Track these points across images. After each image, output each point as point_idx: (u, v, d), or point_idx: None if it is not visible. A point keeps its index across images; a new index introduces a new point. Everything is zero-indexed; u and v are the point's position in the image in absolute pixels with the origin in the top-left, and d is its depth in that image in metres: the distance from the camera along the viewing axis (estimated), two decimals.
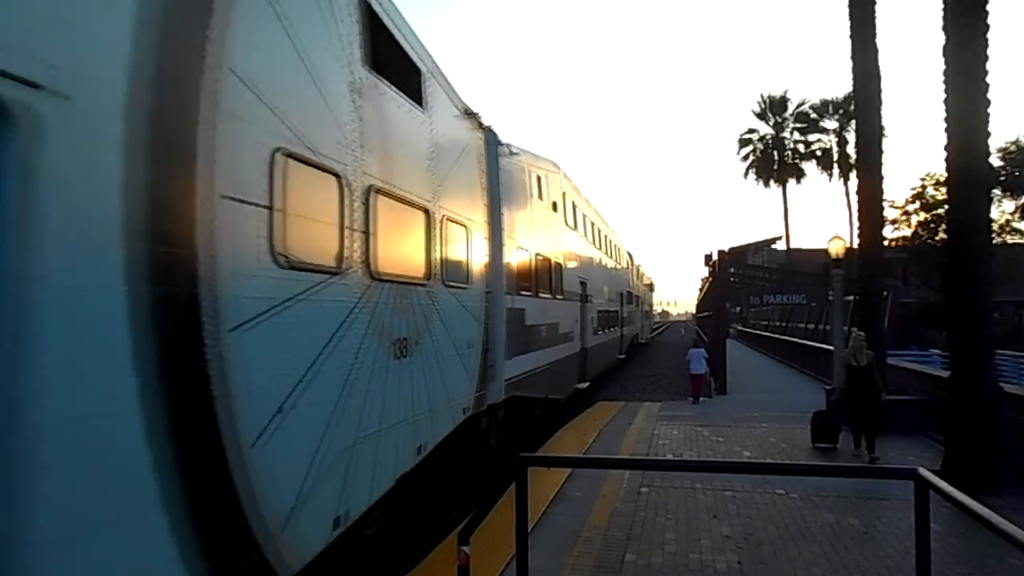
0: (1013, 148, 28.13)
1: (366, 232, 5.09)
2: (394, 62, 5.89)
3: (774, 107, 50.40)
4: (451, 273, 7.09)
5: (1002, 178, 27.14)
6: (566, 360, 14.12)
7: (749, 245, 20.83)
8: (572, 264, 15.00)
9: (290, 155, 4.09)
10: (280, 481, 3.92)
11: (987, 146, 7.93)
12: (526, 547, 4.07)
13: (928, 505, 3.55)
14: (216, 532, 3.41)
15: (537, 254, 11.52)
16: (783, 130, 50.34)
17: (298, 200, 4.17)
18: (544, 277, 12.10)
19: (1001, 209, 29.60)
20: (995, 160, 24.18)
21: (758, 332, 39.24)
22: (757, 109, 51.30)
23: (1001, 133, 46.70)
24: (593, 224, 19.10)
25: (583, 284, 16.57)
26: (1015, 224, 30.60)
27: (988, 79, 7.77)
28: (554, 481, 7.81)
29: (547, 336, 12.27)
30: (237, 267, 3.59)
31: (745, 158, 51.88)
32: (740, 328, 49.86)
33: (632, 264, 33.85)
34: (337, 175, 4.69)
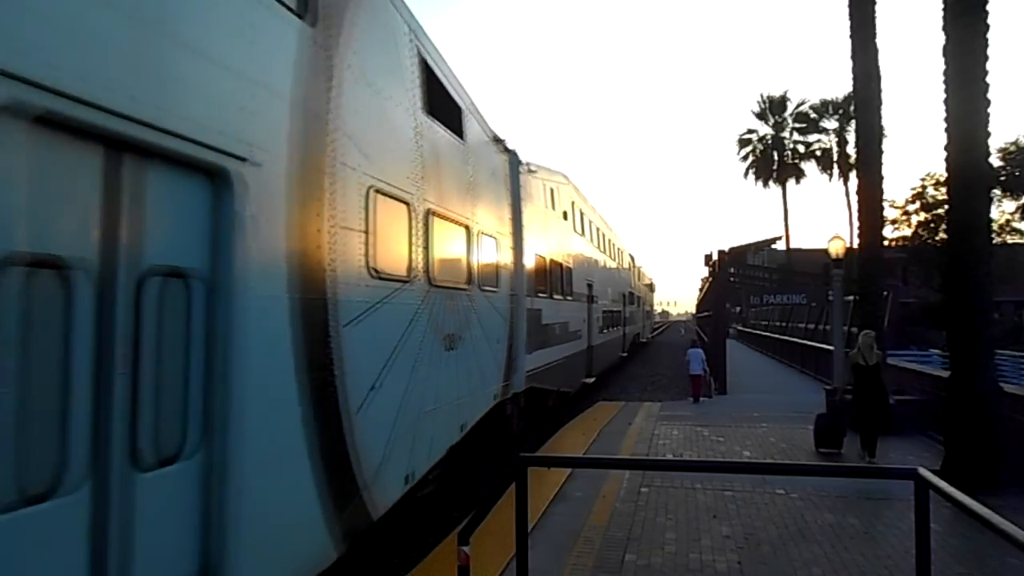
0: (1013, 148, 28.14)
1: (426, 247, 6.25)
2: (442, 104, 7.05)
3: (774, 107, 50.38)
4: (485, 279, 8.32)
5: (1002, 178, 27.14)
6: (575, 356, 15.39)
7: (749, 245, 20.83)
8: (580, 267, 16.22)
9: (378, 191, 5.26)
10: (373, 442, 5.03)
11: (987, 146, 7.93)
12: (526, 547, 4.07)
13: (928, 505, 3.55)
14: (335, 476, 4.50)
15: (551, 259, 12.78)
16: (783, 130, 50.33)
17: (382, 225, 5.32)
18: (556, 280, 13.37)
19: (1001, 209, 29.64)
20: (995, 160, 24.18)
21: (758, 332, 39.25)
22: (757, 109, 51.29)
23: (1001, 133, 46.80)
24: (598, 229, 20.35)
25: (589, 286, 17.76)
26: (1015, 224, 30.63)
27: (988, 79, 7.78)
28: (554, 481, 7.81)
29: (559, 334, 13.58)
30: (347, 278, 4.73)
31: (745, 158, 51.87)
32: (740, 328, 49.86)
33: (634, 265, 35.05)
34: (407, 203, 5.90)
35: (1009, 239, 30.80)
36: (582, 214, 17.14)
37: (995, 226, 23.56)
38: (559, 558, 5.58)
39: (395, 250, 5.65)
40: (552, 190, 13.32)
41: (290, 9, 4.21)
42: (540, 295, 11.83)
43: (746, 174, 51.80)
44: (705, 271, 26.06)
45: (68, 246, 2.70)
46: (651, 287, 56.09)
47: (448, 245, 7.06)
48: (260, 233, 3.72)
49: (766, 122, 50.93)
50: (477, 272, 7.92)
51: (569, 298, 14.77)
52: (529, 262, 10.82)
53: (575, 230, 16.08)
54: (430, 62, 6.69)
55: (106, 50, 2.81)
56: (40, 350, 2.59)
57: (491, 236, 8.66)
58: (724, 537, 6.08)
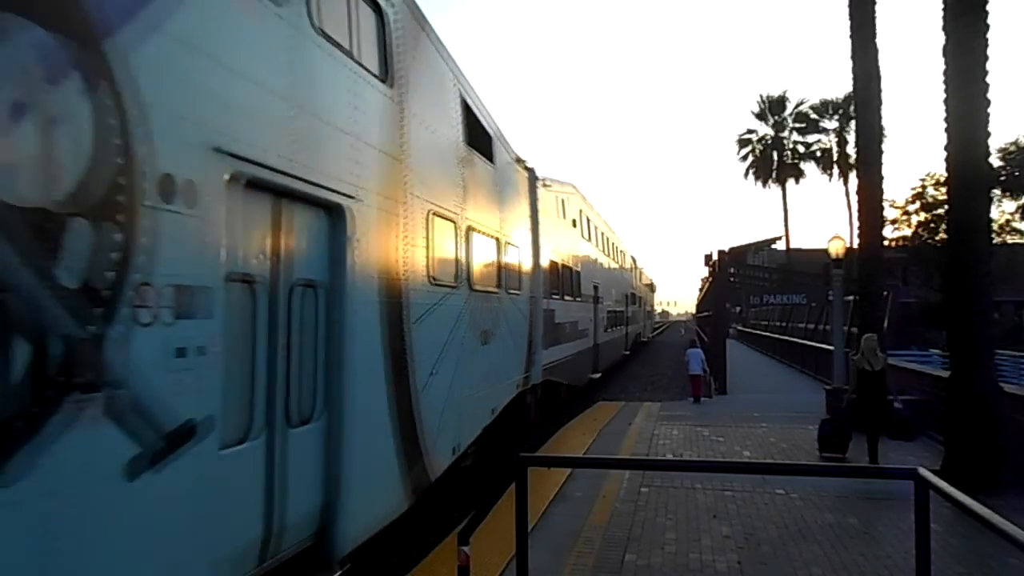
0: (1013, 148, 28.11)
1: (467, 258, 7.49)
2: (478, 135, 8.24)
3: (773, 107, 50.31)
4: (510, 282, 9.53)
5: (1002, 178, 27.13)
6: (583, 353, 16.72)
7: (749, 245, 20.85)
8: (587, 270, 17.42)
9: (435, 213, 6.50)
10: (431, 418, 6.26)
11: (987, 146, 7.93)
12: (526, 547, 4.07)
13: (928, 505, 3.55)
14: (408, 441, 5.75)
15: (562, 264, 14.03)
16: (783, 130, 50.26)
17: (437, 241, 6.53)
18: (567, 282, 14.65)
19: (1001, 209, 29.60)
20: (995, 160, 24.13)
21: (758, 332, 39.26)
22: (756, 109, 51.18)
23: (1001, 133, 46.76)
24: (602, 234, 21.78)
25: (595, 287, 18.99)
26: (1015, 224, 30.60)
27: (988, 79, 7.77)
28: (554, 481, 7.81)
29: (569, 332, 14.84)
30: (415, 285, 5.92)
31: (745, 158, 51.79)
32: (740, 328, 49.85)
33: (635, 267, 36.15)
34: (454, 222, 7.13)
35: (1009, 239, 30.76)
36: (588, 221, 18.34)
37: (995, 226, 23.51)
38: (559, 558, 5.58)
39: (446, 261, 6.90)
40: (563, 201, 14.62)
41: (377, 77, 5.44)
42: (554, 297, 13.02)
43: (746, 174, 51.73)
44: (705, 271, 26.13)
45: (254, 267, 3.91)
46: (651, 287, 56.56)
47: (483, 255, 8.28)
48: (360, 253, 4.92)
49: (766, 122, 50.88)
50: (504, 277, 9.15)
51: (578, 299, 15.98)
52: (544, 267, 12.04)
53: (582, 236, 17.31)
54: (468, 101, 7.95)
55: (278, 131, 4.01)
56: (240, 342, 3.75)
57: (515, 245, 9.88)
58: (724, 537, 6.08)
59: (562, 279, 14.02)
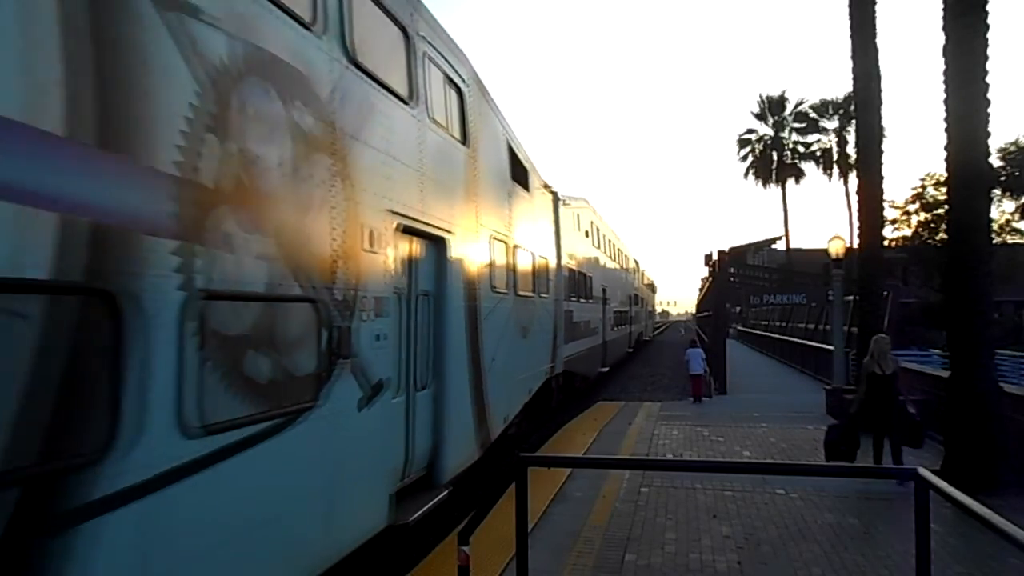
0: (1013, 148, 28.11)
1: (513, 270, 9.50)
2: (518, 171, 10.13)
3: (773, 107, 50.29)
4: (541, 288, 11.57)
5: (1002, 178, 27.12)
6: (594, 348, 18.97)
7: (749, 245, 20.84)
8: (597, 275, 19.61)
9: (494, 237, 8.47)
10: (492, 392, 8.16)
11: (987, 146, 7.92)
12: (526, 547, 4.07)
13: (928, 505, 3.55)
14: (479, 407, 7.70)
15: (578, 270, 16.33)
16: (782, 130, 50.23)
17: (495, 258, 8.46)
18: (581, 286, 16.91)
19: (1001, 209, 29.59)
20: (995, 160, 24.13)
21: (758, 332, 39.24)
22: (756, 109, 51.14)
23: (1001, 133, 46.76)
24: (610, 241, 24.26)
25: (604, 290, 21.13)
26: (1015, 224, 30.59)
27: (988, 79, 7.77)
28: (554, 481, 7.82)
29: (584, 330, 17.00)
30: (483, 292, 7.87)
31: (744, 158, 51.77)
32: (740, 328, 49.83)
33: (638, 269, 38.15)
34: (504, 242, 9.04)
35: (1009, 239, 30.76)
36: (598, 230, 20.71)
37: (995, 226, 23.56)
38: (559, 558, 5.58)
39: (501, 273, 8.80)
40: (578, 215, 16.81)
41: (459, 141, 7.37)
42: (571, 299, 15.11)
43: (746, 174, 51.70)
44: (705, 271, 26.17)
45: (402, 283, 5.72)
46: (652, 288, 57.09)
47: (523, 266, 10.24)
48: (454, 271, 6.84)
49: (766, 122, 50.85)
50: (537, 284, 11.22)
51: (590, 301, 18.14)
52: (564, 274, 14.18)
53: (593, 245, 19.63)
54: (512, 144, 9.87)
55: (413, 192, 5.86)
56: (396, 332, 5.53)
57: (543, 257, 11.99)
58: (724, 537, 6.08)
59: (578, 284, 16.24)
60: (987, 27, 7.79)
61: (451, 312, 6.73)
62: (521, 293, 9.88)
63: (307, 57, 4.25)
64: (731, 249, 19.19)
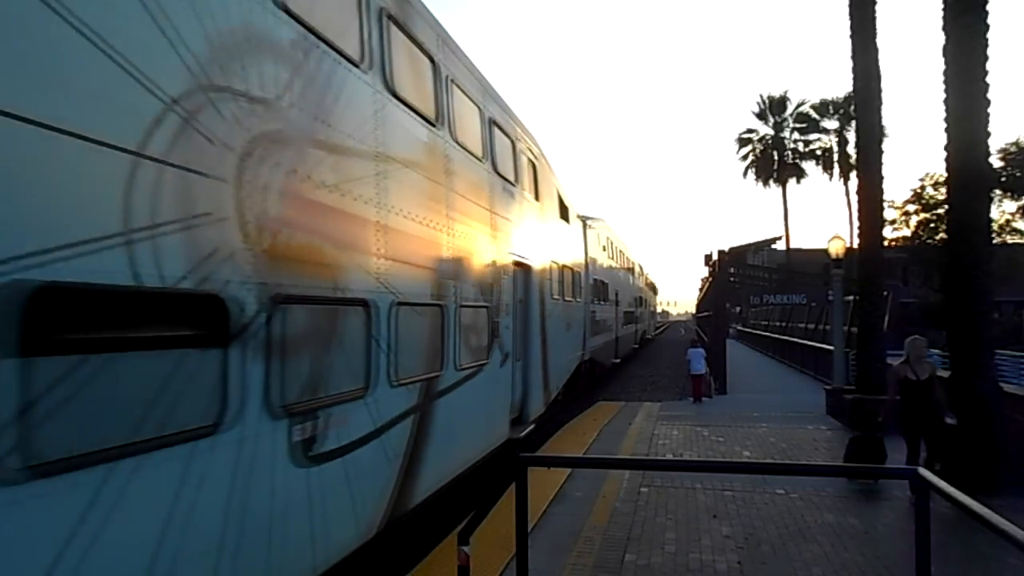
0: (1013, 149, 28.09)
1: (560, 282, 12.70)
2: (563, 209, 13.52)
3: (774, 107, 50.30)
4: (576, 294, 15.06)
5: (1002, 179, 27.10)
6: (609, 342, 23.23)
7: (749, 245, 20.83)
8: (611, 281, 23.59)
9: (553, 261, 11.91)
10: (552, 367, 11.69)
11: (987, 146, 7.92)
12: (526, 547, 4.07)
13: (928, 505, 3.55)
14: (544, 376, 11.17)
15: (598, 279, 20.11)
16: (783, 130, 50.25)
17: (552, 275, 11.74)
18: (601, 291, 20.81)
19: (1001, 209, 29.55)
20: (995, 161, 24.11)
21: (758, 332, 39.23)
22: (757, 109, 51.16)
23: (1001, 133, 46.73)
24: (620, 251, 28.20)
25: (616, 293, 25.04)
26: (1015, 224, 30.56)
27: (988, 79, 7.77)
28: (554, 481, 7.82)
29: (602, 327, 20.91)
30: (547, 299, 11.29)
31: (745, 158, 51.80)
32: (740, 328, 49.82)
33: (642, 272, 41.21)
34: (556, 263, 12.18)
35: (1009, 239, 30.74)
36: (612, 243, 24.85)
37: (995, 226, 23.51)
38: (559, 558, 5.58)
39: (555, 285, 12.07)
40: (598, 234, 20.62)
41: (535, 199, 10.54)
42: (594, 302, 18.78)
43: (746, 174, 51.75)
44: (705, 271, 26.24)
45: (514, 295, 9.11)
46: (654, 288, 58.03)
47: (566, 279, 13.59)
48: (533, 286, 10.19)
49: (766, 122, 50.87)
50: (574, 291, 14.65)
51: (606, 303, 22.10)
52: (589, 282, 17.72)
53: (609, 256, 23.65)
54: (560, 192, 13.26)
55: (515, 238, 9.09)
56: (510, 325, 8.92)
57: (576, 271, 15.27)
58: (724, 537, 6.08)
59: (598, 289, 20.07)
60: (987, 27, 7.79)
61: (533, 312, 10.29)
62: (566, 299, 13.46)
63: (487, 180, 8.01)
64: (731, 249, 19.19)
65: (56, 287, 2.39)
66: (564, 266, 13.14)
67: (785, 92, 50.51)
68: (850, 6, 12.16)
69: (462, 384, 6.84)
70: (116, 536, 2.58)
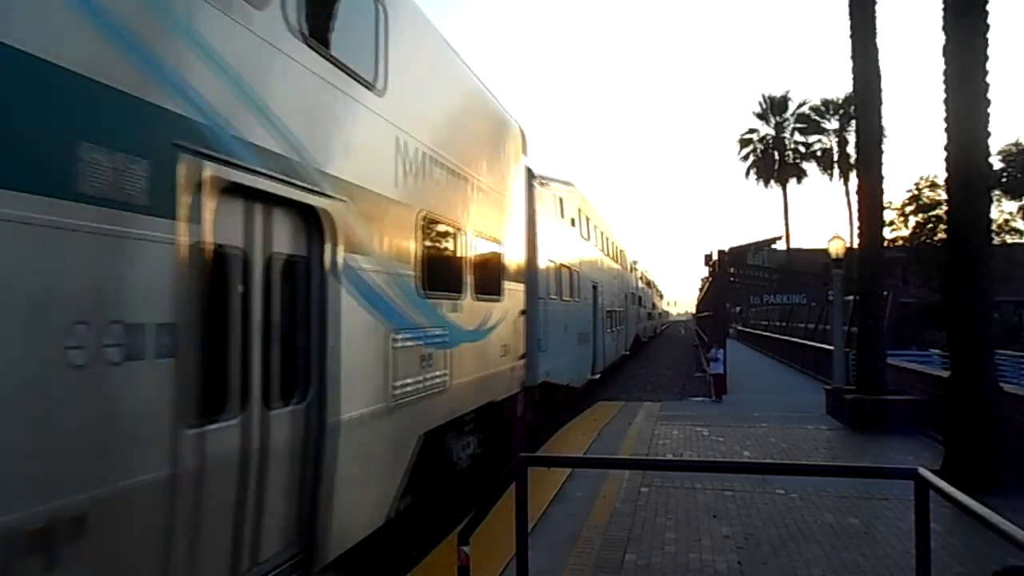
0: (1014, 150, 28.11)
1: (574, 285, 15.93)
2: (582, 221, 15.90)
3: (775, 107, 50.38)
4: (616, 300, 22.75)
5: (1002, 179, 27.11)
6: (620, 335, 26.34)
7: (749, 245, 20.88)
8: (619, 285, 25.93)
9: (564, 266, 14.21)
10: (598, 347, 18.59)
11: (987, 146, 7.91)
12: (526, 547, 4.07)
13: (928, 505, 3.55)
14: (594, 353, 17.98)
15: (617, 289, 24.36)
16: (783, 130, 50.34)
17: (565, 285, 14.20)
18: (615, 297, 24.03)
19: (1001, 209, 29.60)
20: (995, 161, 24.11)
21: (758, 332, 39.25)
22: (758, 109, 51.36)
23: (1001, 134, 46.68)
24: (631, 263, 32.03)
25: (626, 296, 28.04)
26: (1015, 224, 30.59)
27: (988, 79, 7.76)
28: (554, 481, 7.81)
29: (615, 322, 24.02)
30: (600, 300, 19.16)
31: (745, 158, 51.91)
32: (740, 328, 49.82)
33: (646, 277, 43.88)
34: (571, 270, 14.57)
35: (1009, 239, 30.76)
36: (622, 252, 28.07)
37: (995, 226, 23.48)
38: (559, 558, 5.58)
39: (571, 286, 14.65)
40: (622, 251, 26.18)
41: (574, 224, 15.45)
42: (610, 304, 21.91)
43: (747, 174, 51.87)
44: (705, 271, 26.33)
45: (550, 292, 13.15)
46: (657, 291, 58.96)
47: (577, 285, 15.64)
48: (598, 290, 18.34)
49: (767, 122, 50.97)
50: (588, 293, 17.61)
51: (619, 304, 25.25)
52: (607, 288, 21.29)
53: (626, 270, 28.60)
54: (583, 207, 16.38)
55: (558, 247, 13.44)
56: (593, 316, 17.89)
57: (597, 282, 18.85)
58: (724, 537, 6.08)
59: (615, 298, 23.79)
60: (987, 27, 7.79)
61: (599, 309, 17.08)
62: (578, 300, 15.72)
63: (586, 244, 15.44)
64: (731, 249, 19.23)
65: None
66: (572, 269, 15.33)
67: (786, 92, 50.72)
68: (850, 6, 12.18)
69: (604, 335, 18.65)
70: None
